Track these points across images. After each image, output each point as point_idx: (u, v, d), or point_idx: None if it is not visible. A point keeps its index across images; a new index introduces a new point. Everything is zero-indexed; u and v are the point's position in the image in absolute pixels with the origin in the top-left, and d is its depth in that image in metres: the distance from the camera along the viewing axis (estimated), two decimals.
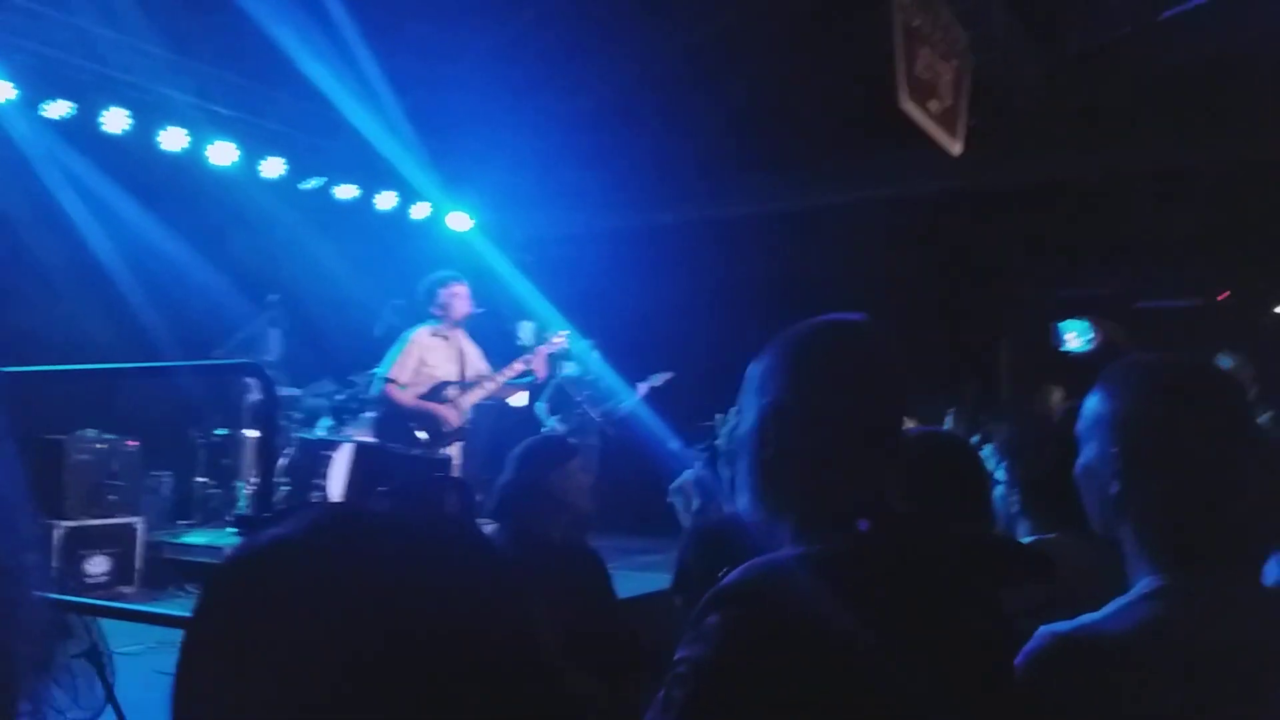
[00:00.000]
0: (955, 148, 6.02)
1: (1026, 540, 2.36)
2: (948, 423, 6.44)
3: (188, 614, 0.61)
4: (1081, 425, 1.33)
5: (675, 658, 1.07)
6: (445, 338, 5.28)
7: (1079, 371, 7.99)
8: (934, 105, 5.73)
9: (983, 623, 1.20)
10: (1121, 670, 1.14)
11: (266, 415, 3.89)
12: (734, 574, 1.11)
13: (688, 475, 3.24)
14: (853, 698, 1.02)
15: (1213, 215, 7.92)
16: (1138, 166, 8.05)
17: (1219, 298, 9.01)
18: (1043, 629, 1.21)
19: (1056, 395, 7.44)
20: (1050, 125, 7.72)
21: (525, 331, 7.21)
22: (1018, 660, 1.19)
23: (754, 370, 1.30)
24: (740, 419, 1.30)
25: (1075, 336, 9.04)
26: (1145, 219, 8.32)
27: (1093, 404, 1.31)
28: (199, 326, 6.61)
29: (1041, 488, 2.39)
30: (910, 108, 5.41)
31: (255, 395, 6.47)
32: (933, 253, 8.96)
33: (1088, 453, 1.31)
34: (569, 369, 6.98)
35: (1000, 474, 2.36)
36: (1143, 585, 1.21)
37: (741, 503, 1.27)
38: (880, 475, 1.23)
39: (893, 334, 1.31)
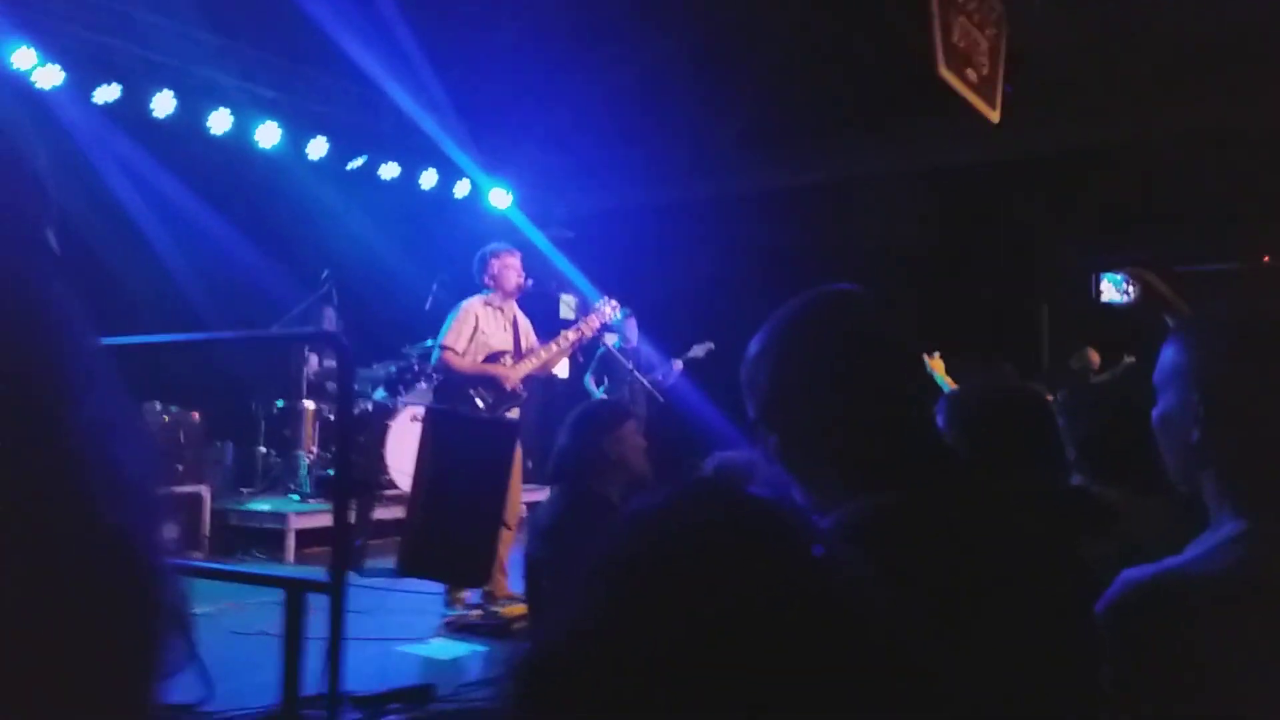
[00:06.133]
0: (993, 115, 6.04)
1: None
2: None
3: (265, 570, 0.62)
4: (1158, 375, 1.33)
5: None
6: (499, 308, 5.38)
7: (1119, 330, 8.08)
8: (971, 74, 5.75)
9: (1057, 569, 1.22)
10: (1210, 613, 1.14)
11: (343, 384, 4.03)
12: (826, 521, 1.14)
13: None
14: (933, 642, 1.06)
15: (1252, 179, 7.87)
16: (1174, 130, 8.00)
17: (1262, 260, 8.95)
18: (1124, 573, 1.21)
19: (1093, 355, 7.89)
20: (1086, 91, 7.69)
21: (567, 305, 7.34)
22: (1099, 605, 1.19)
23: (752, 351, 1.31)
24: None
25: (1112, 288, 9.04)
26: (1183, 183, 8.28)
27: (1169, 354, 1.31)
28: (249, 305, 6.74)
29: (1094, 444, 2.48)
30: (948, 75, 5.44)
31: (312, 368, 6.64)
32: (971, 221, 8.97)
33: (1166, 402, 1.31)
34: (612, 340, 7.12)
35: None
36: (1226, 529, 1.22)
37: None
38: (916, 429, 1.25)
39: (883, 298, 1.31)
